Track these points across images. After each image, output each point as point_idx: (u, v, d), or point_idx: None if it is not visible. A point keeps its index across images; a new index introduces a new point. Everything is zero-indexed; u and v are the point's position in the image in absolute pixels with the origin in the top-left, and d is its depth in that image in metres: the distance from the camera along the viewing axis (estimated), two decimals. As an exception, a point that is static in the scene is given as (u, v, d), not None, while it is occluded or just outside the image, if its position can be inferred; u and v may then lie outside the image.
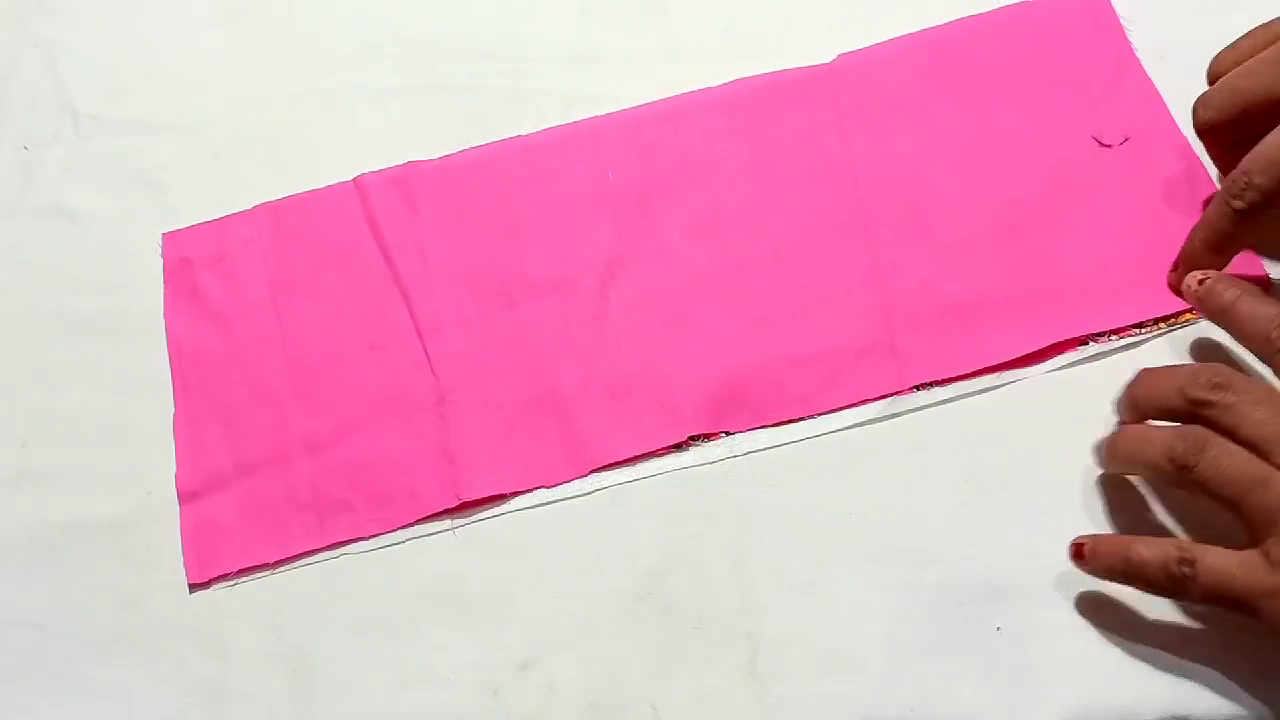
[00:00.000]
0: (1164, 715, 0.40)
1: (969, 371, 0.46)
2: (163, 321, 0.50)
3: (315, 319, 0.50)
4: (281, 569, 0.45)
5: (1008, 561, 0.43)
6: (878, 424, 0.46)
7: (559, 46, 0.56)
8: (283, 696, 0.43)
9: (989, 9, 0.54)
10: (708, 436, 0.46)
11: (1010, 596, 0.42)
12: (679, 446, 0.46)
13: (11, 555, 0.46)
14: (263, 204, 0.52)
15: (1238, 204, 0.42)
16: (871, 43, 0.53)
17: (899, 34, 0.53)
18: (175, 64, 0.57)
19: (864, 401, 0.46)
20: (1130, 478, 0.44)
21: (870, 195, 0.50)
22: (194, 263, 0.51)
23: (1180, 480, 0.39)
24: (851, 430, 0.46)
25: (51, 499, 0.47)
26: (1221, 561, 0.38)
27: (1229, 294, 0.42)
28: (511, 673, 0.43)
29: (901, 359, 0.47)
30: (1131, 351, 0.46)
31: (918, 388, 0.46)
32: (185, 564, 0.45)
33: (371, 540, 0.45)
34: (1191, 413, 0.40)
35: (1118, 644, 0.41)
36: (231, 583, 0.45)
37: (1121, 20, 0.53)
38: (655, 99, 0.53)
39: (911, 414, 0.46)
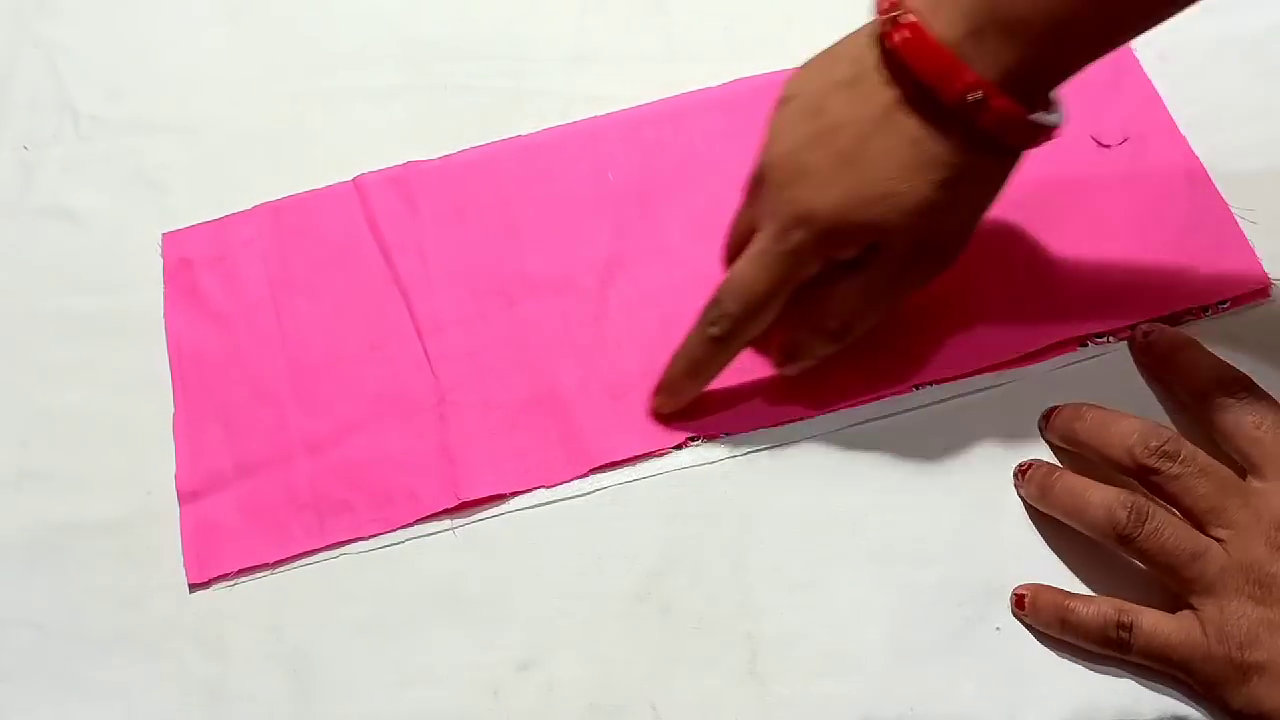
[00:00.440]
0: (1163, 715, 0.40)
1: (968, 371, 0.46)
2: (163, 321, 0.50)
3: (315, 319, 0.50)
4: (281, 569, 0.45)
5: (1008, 561, 0.43)
6: (878, 424, 0.46)
7: (559, 46, 0.56)
8: (283, 696, 0.43)
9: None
10: (708, 437, 0.46)
11: (1010, 596, 0.42)
12: (679, 446, 0.46)
13: (11, 555, 0.46)
14: (263, 204, 0.52)
15: (713, 331, 0.43)
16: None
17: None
18: (175, 64, 0.57)
19: (863, 401, 0.46)
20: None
21: (870, 195, 0.50)
22: (194, 263, 0.51)
23: (1118, 546, 0.40)
24: (851, 430, 0.46)
25: (51, 499, 0.47)
26: (1159, 625, 0.39)
27: (1173, 348, 0.45)
28: (511, 673, 0.43)
29: (900, 359, 0.47)
30: (1130, 352, 0.46)
31: (917, 387, 0.46)
32: (185, 564, 0.45)
33: (371, 540, 0.45)
34: (1134, 471, 0.41)
35: (1117, 644, 0.41)
36: (231, 583, 0.45)
37: (1121, 21, 0.53)
38: (655, 99, 0.53)
39: (911, 414, 0.46)
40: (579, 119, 0.53)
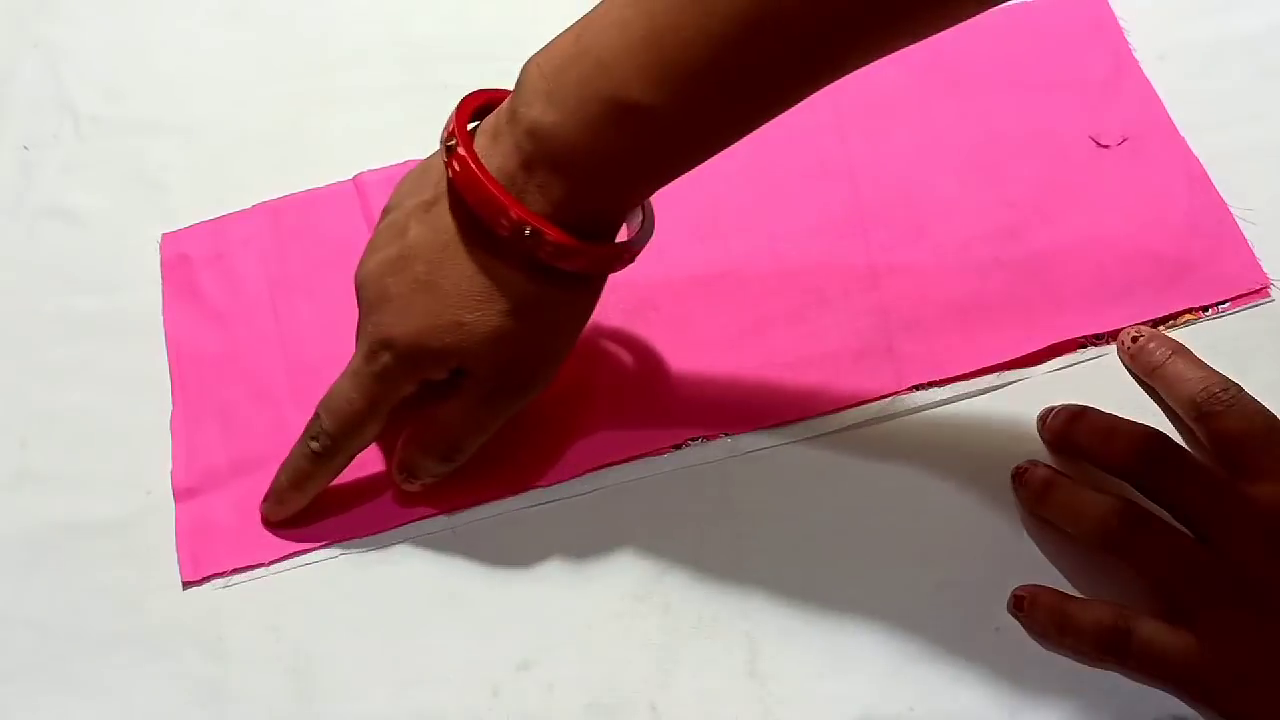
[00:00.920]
0: (1163, 715, 0.40)
1: (967, 372, 0.46)
2: (162, 321, 0.50)
3: (314, 318, 0.50)
4: (281, 569, 0.45)
5: (1007, 562, 0.43)
6: (877, 424, 0.46)
7: (559, 47, 0.56)
8: (283, 696, 0.43)
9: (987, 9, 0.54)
10: (708, 437, 0.46)
11: (1009, 597, 0.42)
12: (678, 446, 0.46)
13: (11, 555, 0.46)
14: (262, 203, 0.52)
15: (314, 446, 0.43)
16: (871, 43, 0.53)
17: (898, 34, 0.53)
18: (175, 64, 0.57)
19: (863, 402, 0.46)
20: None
21: (869, 195, 0.50)
22: (192, 260, 0.51)
23: (1112, 554, 0.40)
24: (851, 430, 0.46)
25: (51, 499, 0.47)
26: (1156, 632, 0.39)
27: (1159, 354, 0.44)
28: (511, 673, 0.43)
29: (900, 360, 0.47)
30: (1119, 357, 0.46)
31: (916, 388, 0.46)
32: (179, 561, 0.45)
33: (371, 540, 0.45)
34: (1128, 476, 0.41)
35: (1117, 644, 0.41)
36: (226, 581, 0.45)
37: (1120, 21, 0.53)
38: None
39: (911, 415, 0.46)
40: (578, 119, 0.53)
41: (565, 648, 0.43)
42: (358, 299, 0.42)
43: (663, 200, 0.51)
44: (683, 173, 0.39)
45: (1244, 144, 0.50)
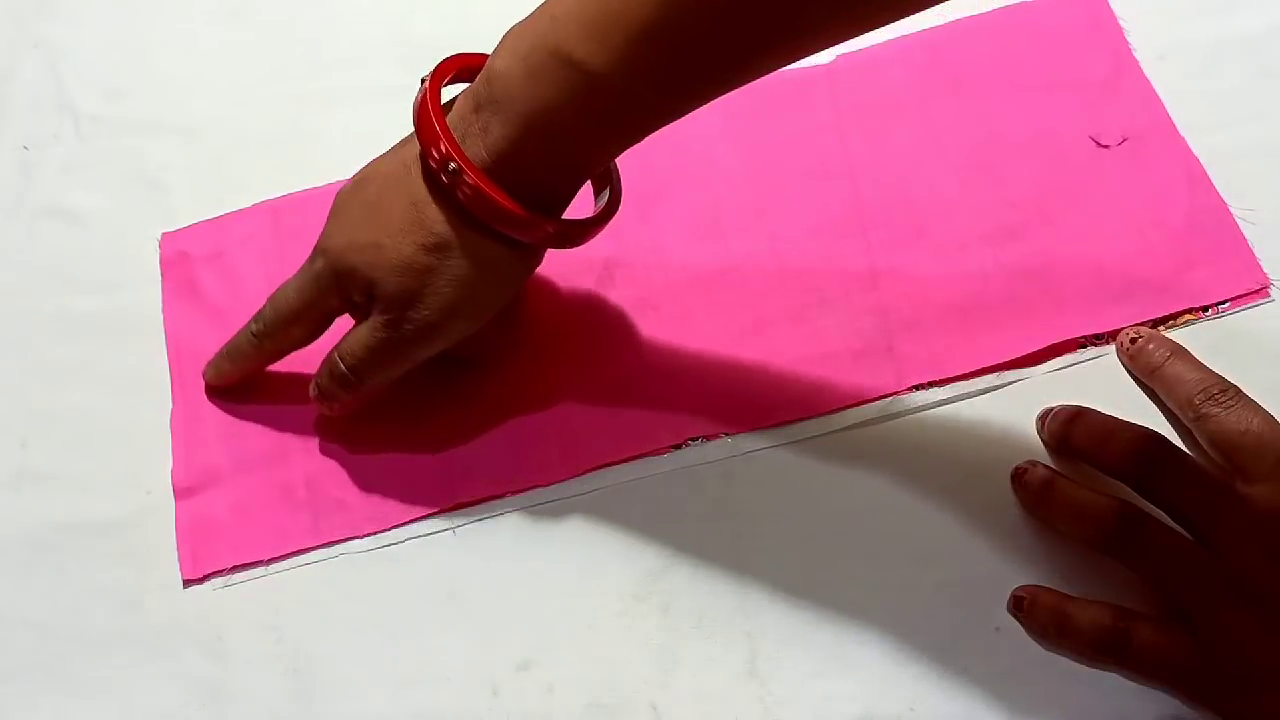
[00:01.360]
0: (1162, 715, 0.40)
1: (967, 372, 0.46)
2: (162, 321, 0.50)
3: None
4: (281, 569, 0.45)
5: (1007, 562, 0.43)
6: (877, 424, 0.46)
7: (559, 47, 0.56)
8: (283, 696, 0.43)
9: (988, 9, 0.54)
10: (708, 437, 0.46)
11: (1009, 598, 0.42)
12: (678, 446, 0.46)
13: (11, 555, 0.46)
14: (262, 202, 0.52)
15: (254, 327, 0.46)
16: (870, 43, 0.53)
17: (898, 34, 0.53)
18: (175, 64, 0.57)
19: (863, 402, 0.46)
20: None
21: (868, 196, 0.50)
22: (192, 258, 0.51)
23: (1109, 554, 0.41)
24: (851, 430, 0.46)
25: (51, 499, 0.47)
26: (1155, 634, 0.39)
27: (1158, 355, 0.44)
28: (511, 673, 0.43)
29: (899, 360, 0.47)
30: (1118, 358, 0.46)
31: (916, 388, 0.46)
32: (180, 559, 0.45)
33: (370, 540, 0.45)
34: (1126, 478, 0.41)
35: (1117, 644, 0.41)
36: (227, 580, 0.45)
37: (1120, 21, 0.53)
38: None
39: (911, 415, 0.46)
40: (578, 119, 0.53)
41: (565, 648, 0.43)
42: None
43: (663, 200, 0.51)
44: (621, 143, 0.39)
45: (1244, 144, 0.50)
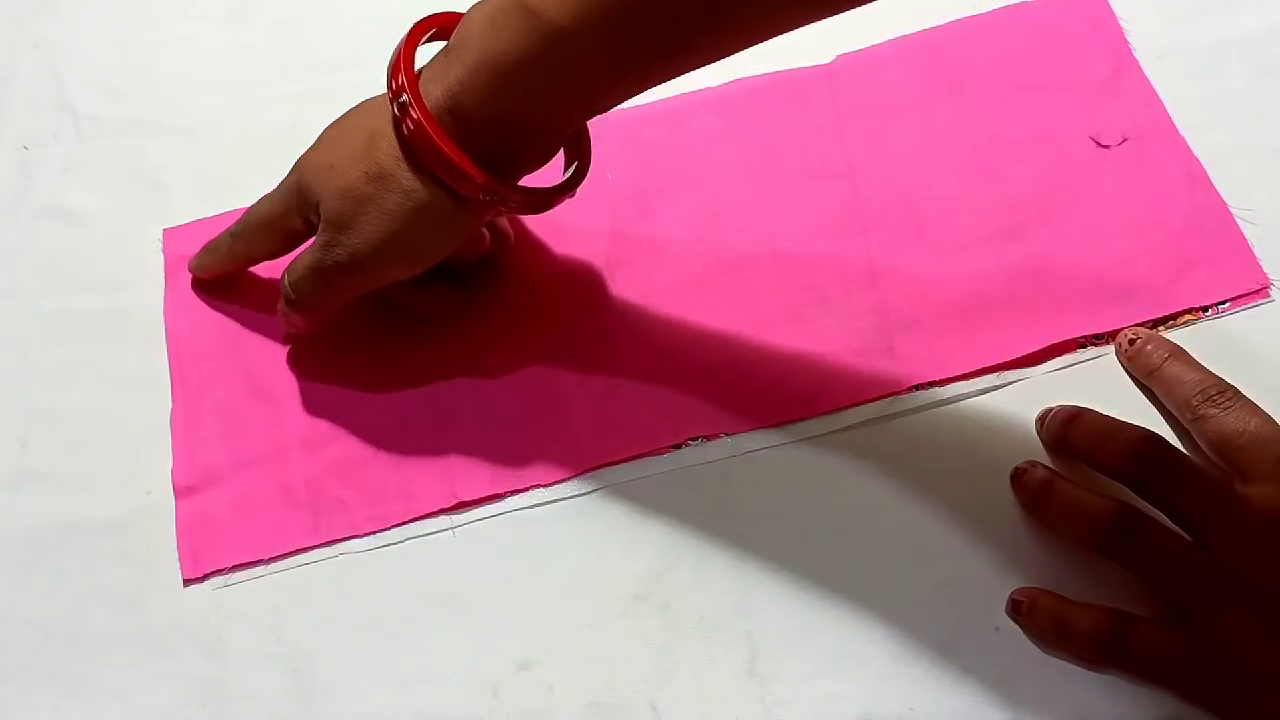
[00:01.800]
0: (1162, 716, 0.40)
1: (967, 372, 0.46)
2: (163, 321, 0.50)
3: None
4: (281, 569, 0.45)
5: (1007, 562, 0.43)
6: (877, 424, 0.46)
7: (559, 47, 0.56)
8: (283, 696, 0.43)
9: (987, 9, 0.54)
10: (707, 436, 0.46)
11: (1007, 601, 0.42)
12: (678, 446, 0.46)
13: (11, 555, 0.46)
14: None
15: (234, 229, 0.48)
16: (870, 43, 0.53)
17: (898, 34, 0.53)
18: (175, 64, 0.57)
19: (863, 402, 0.46)
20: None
21: (869, 196, 0.50)
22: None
23: (1108, 555, 0.40)
24: (851, 430, 0.46)
25: (51, 499, 0.47)
26: (1155, 636, 0.39)
27: (1157, 356, 0.44)
28: (511, 673, 0.43)
29: (899, 360, 0.47)
30: (1117, 359, 0.46)
31: (916, 388, 0.46)
32: (180, 558, 0.45)
33: (370, 539, 0.45)
34: (1125, 479, 0.41)
35: (1117, 644, 0.41)
36: (227, 579, 0.45)
37: (1120, 21, 0.53)
38: (654, 99, 0.53)
39: (911, 414, 0.46)
40: (578, 119, 0.53)
41: (565, 648, 0.43)
42: None
43: (663, 200, 0.51)
44: (577, 107, 0.40)
45: (1244, 144, 0.50)
